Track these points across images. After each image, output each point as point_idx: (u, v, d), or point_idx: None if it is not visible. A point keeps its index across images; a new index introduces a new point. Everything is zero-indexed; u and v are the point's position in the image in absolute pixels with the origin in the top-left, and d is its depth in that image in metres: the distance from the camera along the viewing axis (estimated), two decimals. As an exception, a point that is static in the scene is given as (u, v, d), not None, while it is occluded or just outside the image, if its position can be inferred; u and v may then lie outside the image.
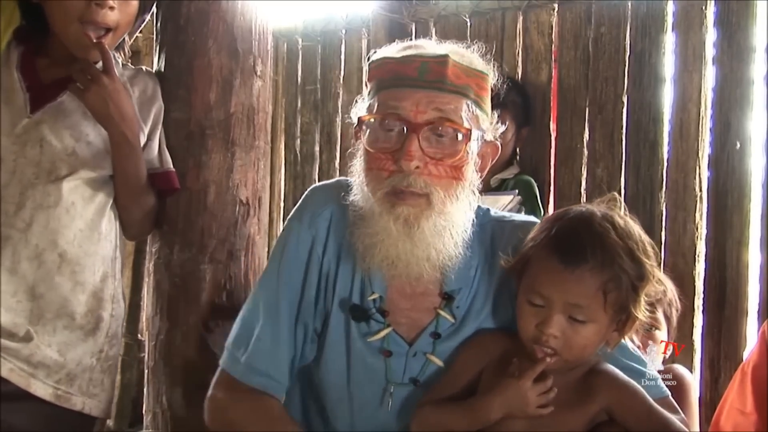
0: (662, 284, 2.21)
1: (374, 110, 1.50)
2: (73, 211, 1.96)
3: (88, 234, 1.99)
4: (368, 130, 1.51)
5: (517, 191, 2.83)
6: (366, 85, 1.59)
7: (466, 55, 1.54)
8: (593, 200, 1.53)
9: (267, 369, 1.61)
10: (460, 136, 1.48)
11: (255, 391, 1.62)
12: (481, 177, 1.57)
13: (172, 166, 2.14)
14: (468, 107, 1.49)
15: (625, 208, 1.51)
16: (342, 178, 1.70)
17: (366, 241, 1.51)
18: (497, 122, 1.58)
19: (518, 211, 2.76)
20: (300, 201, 1.69)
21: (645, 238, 1.47)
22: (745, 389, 1.76)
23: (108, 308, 2.04)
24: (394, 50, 1.55)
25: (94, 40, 1.91)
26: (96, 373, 2.02)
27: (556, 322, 1.41)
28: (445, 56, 1.48)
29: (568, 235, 1.43)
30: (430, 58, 1.48)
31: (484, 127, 1.54)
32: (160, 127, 2.12)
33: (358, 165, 1.55)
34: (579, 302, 1.40)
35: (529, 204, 2.83)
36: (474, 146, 1.51)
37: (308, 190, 1.70)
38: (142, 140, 2.06)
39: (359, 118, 1.53)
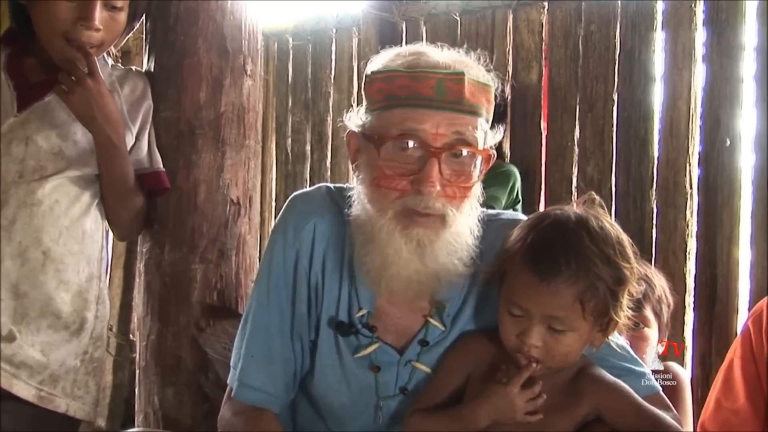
0: (644, 283, 2.23)
1: (388, 129, 1.45)
2: (57, 210, 1.96)
3: (72, 232, 1.98)
4: (382, 149, 1.46)
5: None
6: (365, 92, 1.53)
7: (473, 66, 1.50)
8: (571, 202, 1.51)
9: (261, 384, 1.61)
10: (476, 158, 1.46)
11: (252, 407, 1.62)
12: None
13: (161, 165, 2.13)
14: (481, 125, 1.47)
15: (602, 205, 1.48)
16: (322, 184, 1.68)
17: (376, 262, 1.48)
18: (498, 131, 1.55)
19: None
20: (282, 211, 1.66)
21: (623, 238, 1.45)
22: (733, 385, 1.77)
23: (93, 309, 2.03)
24: (395, 58, 1.50)
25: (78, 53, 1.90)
26: (80, 374, 2.01)
27: (535, 333, 1.40)
28: (461, 74, 1.44)
29: (542, 246, 1.41)
30: (446, 75, 1.44)
31: (489, 140, 1.51)
32: (149, 126, 2.12)
33: (360, 179, 1.51)
34: (557, 314, 1.39)
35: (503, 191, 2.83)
36: (484, 164, 1.51)
37: (289, 199, 1.67)
38: (130, 141, 2.05)
39: (377, 140, 1.47)
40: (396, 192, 1.44)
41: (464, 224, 1.49)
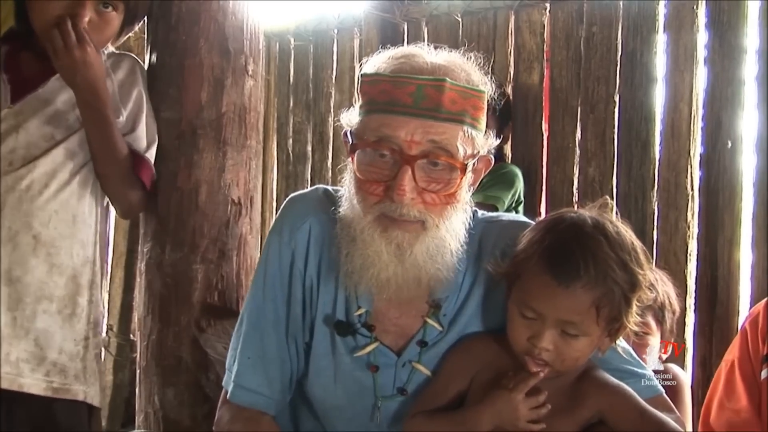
0: (653, 290, 2.22)
1: (366, 135, 1.45)
2: (46, 194, 1.96)
3: (63, 217, 1.98)
4: (359, 153, 1.46)
5: None
6: (358, 93, 1.53)
7: (464, 69, 1.48)
8: (585, 204, 1.50)
9: (257, 386, 1.61)
10: (455, 167, 1.43)
11: (249, 410, 1.61)
12: (472, 191, 1.53)
13: (152, 159, 2.12)
14: (464, 133, 1.43)
15: (617, 213, 1.48)
16: (320, 186, 1.68)
17: (357, 262, 1.48)
18: (491, 136, 1.52)
19: None
20: (279, 213, 1.66)
21: (638, 245, 1.44)
22: (734, 386, 1.79)
23: (86, 294, 2.03)
24: (387, 61, 1.48)
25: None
26: (89, 361, 2.02)
27: (548, 336, 1.38)
28: (442, 80, 1.41)
29: (561, 249, 1.39)
30: (426, 81, 1.42)
31: (479, 146, 1.48)
32: (144, 113, 2.11)
33: (348, 179, 1.51)
34: (572, 318, 1.38)
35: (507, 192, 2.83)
36: (468, 172, 1.48)
37: (286, 200, 1.67)
38: (121, 121, 2.05)
39: (352, 145, 1.48)
40: (374, 197, 1.44)
41: (448, 230, 1.47)
